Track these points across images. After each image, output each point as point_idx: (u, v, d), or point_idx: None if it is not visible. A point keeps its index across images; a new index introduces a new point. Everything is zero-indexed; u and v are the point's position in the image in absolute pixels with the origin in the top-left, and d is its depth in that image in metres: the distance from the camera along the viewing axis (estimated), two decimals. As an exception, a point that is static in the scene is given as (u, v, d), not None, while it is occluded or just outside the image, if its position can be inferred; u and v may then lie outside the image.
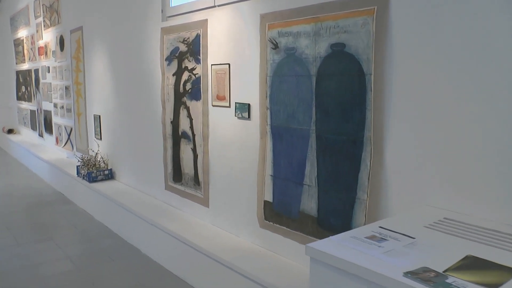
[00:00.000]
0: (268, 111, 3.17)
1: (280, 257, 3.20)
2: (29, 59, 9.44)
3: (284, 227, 3.15)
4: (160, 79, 4.40)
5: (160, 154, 4.52)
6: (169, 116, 4.30)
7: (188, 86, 3.96)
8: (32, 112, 9.67)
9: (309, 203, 2.93)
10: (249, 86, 3.31)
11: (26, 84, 9.98)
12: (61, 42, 7.33)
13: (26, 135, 10.44)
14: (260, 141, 3.25)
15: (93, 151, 6.07)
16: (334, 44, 2.69)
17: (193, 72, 3.87)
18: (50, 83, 8.10)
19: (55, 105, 7.94)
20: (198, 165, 3.93)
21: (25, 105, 10.26)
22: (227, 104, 3.52)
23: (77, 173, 5.96)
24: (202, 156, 3.86)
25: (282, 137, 3.09)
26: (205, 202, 3.92)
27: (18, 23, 10.06)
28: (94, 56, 6.00)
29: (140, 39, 4.74)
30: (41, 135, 9.12)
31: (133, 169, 5.23)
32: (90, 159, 5.86)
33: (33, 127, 9.70)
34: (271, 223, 3.25)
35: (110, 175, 5.72)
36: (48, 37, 8.06)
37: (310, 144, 2.89)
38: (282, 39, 3.02)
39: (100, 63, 5.84)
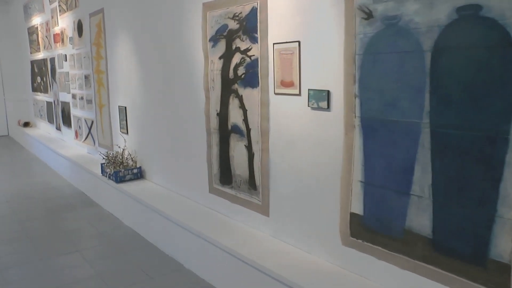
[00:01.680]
0: (357, 100, 2.48)
1: (371, 283, 2.53)
2: (44, 48, 8.82)
3: (379, 247, 2.47)
4: (202, 63, 3.73)
5: (203, 151, 3.86)
6: (215, 107, 3.63)
7: (241, 70, 3.27)
8: (49, 104, 9.07)
9: (420, 219, 2.25)
10: (328, 69, 2.62)
11: (41, 75, 9.38)
12: (79, 28, 6.68)
13: (43, 128, 9.87)
14: (345, 138, 2.57)
15: (119, 147, 5.43)
16: (463, 7, 1.98)
17: (248, 53, 3.18)
18: (68, 73, 7.47)
19: (74, 96, 7.31)
20: (254, 166, 3.26)
21: (41, 96, 9.67)
22: (296, 92, 2.83)
23: (102, 172, 5.33)
24: (260, 155, 3.19)
25: (377, 133, 2.41)
26: (264, 210, 3.25)
27: (31, 10, 9.44)
28: (118, 40, 5.33)
29: (174, 18, 4.06)
30: (58, 128, 8.53)
31: (167, 168, 4.58)
32: (116, 156, 5.22)
33: (50, 120, 9.11)
34: (360, 241, 2.58)
35: (139, 174, 5.08)
36: (64, 23, 7.42)
37: (421, 142, 2.20)
38: (378, 5, 2.32)
39: (125, 49, 5.18)
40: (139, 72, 4.90)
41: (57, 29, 7.85)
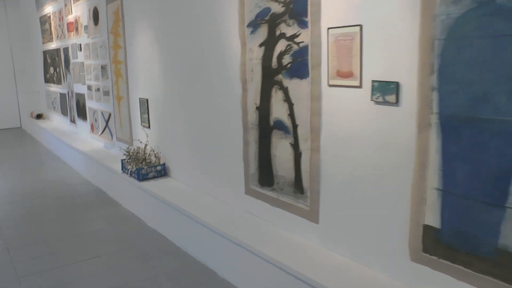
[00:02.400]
0: (435, 93, 2.11)
1: (448, 307, 2.17)
2: (57, 37, 8.49)
3: (461, 267, 2.12)
4: (238, 52, 3.36)
5: (238, 148, 3.51)
6: (254, 100, 3.27)
7: (287, 59, 2.91)
8: (62, 95, 8.76)
9: (519, 236, 1.88)
10: (397, 57, 2.25)
11: (54, 65, 9.06)
12: (95, 15, 6.33)
13: (56, 121, 9.57)
14: (418, 137, 2.21)
15: (140, 142, 5.09)
16: None
17: (295, 40, 2.81)
18: (83, 63, 7.14)
19: (89, 88, 6.98)
20: (301, 167, 2.90)
21: (54, 88, 9.36)
22: (356, 83, 2.47)
23: (122, 169, 5.01)
24: (309, 155, 2.83)
25: (461, 133, 2.04)
26: (312, 216, 2.90)
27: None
28: (138, 28, 4.97)
29: (205, 2, 3.69)
30: (73, 121, 8.22)
31: (194, 165, 4.24)
32: (138, 152, 4.88)
33: (64, 112, 8.80)
34: (435, 257, 2.22)
35: (163, 172, 4.75)
36: (78, 10, 7.07)
37: (523, 144, 1.83)
38: (467, -20, 1.94)
39: (146, 37, 4.82)
40: (163, 61, 4.54)
41: (70, 18, 7.51)
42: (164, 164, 4.77)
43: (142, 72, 5.05)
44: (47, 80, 9.83)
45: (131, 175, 4.78)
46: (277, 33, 2.95)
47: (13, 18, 11.25)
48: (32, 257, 3.80)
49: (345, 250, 2.71)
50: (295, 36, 2.81)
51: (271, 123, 3.12)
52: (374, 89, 2.38)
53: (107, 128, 6.42)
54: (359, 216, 2.58)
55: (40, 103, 10.91)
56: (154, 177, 4.70)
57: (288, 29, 2.86)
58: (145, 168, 4.64)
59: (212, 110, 3.81)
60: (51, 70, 9.34)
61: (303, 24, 2.74)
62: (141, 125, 5.21)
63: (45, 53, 9.66)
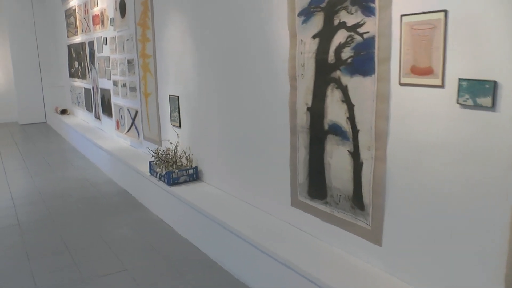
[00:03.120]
0: (551, 95, 1.67)
1: None
2: (82, 31, 8.21)
3: None
4: (286, 44, 2.96)
5: (284, 154, 3.12)
6: (304, 99, 2.86)
7: (347, 53, 2.49)
8: (87, 91, 8.49)
9: None
10: (494, 50, 1.82)
11: (79, 59, 8.81)
12: (122, 7, 6.00)
13: (81, 117, 9.35)
14: (524, 150, 1.77)
15: (170, 142, 4.73)
16: None
17: (358, 30, 2.40)
18: (108, 57, 6.83)
19: (115, 83, 6.68)
20: (362, 179, 2.49)
21: (78, 83, 9.12)
22: (437, 82, 2.04)
23: (151, 171, 4.67)
24: (372, 165, 2.41)
25: None
26: (374, 236, 2.49)
27: (68, -10, 8.83)
28: (169, 19, 4.62)
29: (246, -12, 3.30)
30: (97, 117, 7.94)
31: (231, 169, 3.87)
32: (167, 154, 4.53)
33: (88, 108, 8.54)
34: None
35: (195, 176, 4.39)
36: (104, 2, 6.76)
37: None
38: None
39: (177, 29, 4.46)
40: (197, 55, 4.17)
41: (96, 10, 7.21)
42: (196, 167, 4.41)
43: (172, 67, 4.69)
44: (71, 75, 9.59)
45: (160, 178, 4.43)
46: (336, 22, 2.53)
47: (39, 12, 11.06)
48: (53, 269, 3.49)
49: (417, 280, 2.29)
50: (358, 25, 2.39)
51: (326, 126, 2.72)
52: (461, 90, 1.95)
53: (133, 126, 6.10)
54: (438, 240, 2.16)
55: (64, 98, 10.71)
56: (185, 182, 4.34)
57: (349, 17, 2.44)
58: (176, 171, 4.28)
59: (254, 109, 3.43)
60: (76, 64, 9.09)
61: (368, 11, 2.32)
62: (171, 124, 4.86)
63: (70, 47, 9.42)
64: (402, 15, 2.17)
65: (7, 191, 5.63)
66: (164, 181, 4.35)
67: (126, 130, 6.35)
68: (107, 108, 7.28)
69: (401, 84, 2.22)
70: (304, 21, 2.78)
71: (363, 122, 2.45)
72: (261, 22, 3.20)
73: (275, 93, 3.14)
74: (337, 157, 2.66)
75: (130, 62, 5.94)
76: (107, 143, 6.65)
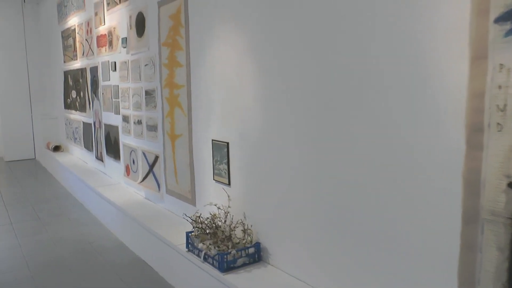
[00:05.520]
0: None
1: None
2: (83, 54, 6.92)
3: None
4: (461, 71, 1.73)
5: (440, 251, 1.80)
6: (502, 167, 1.56)
7: None
8: (86, 125, 7.14)
9: None
10: None
11: (77, 88, 7.49)
12: (139, 24, 4.74)
13: (77, 155, 7.95)
14: None
15: (216, 206, 3.36)
16: None
17: None
18: (117, 86, 5.53)
19: (125, 119, 5.35)
20: None
21: (75, 115, 7.76)
22: None
23: (188, 246, 3.30)
24: None
25: None
26: None
27: (67, 8, 7.59)
28: (215, 37, 3.36)
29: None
30: (99, 158, 6.57)
31: (317, 252, 2.56)
32: (213, 222, 3.17)
33: (88, 146, 7.16)
34: None
35: (257, 256, 3.03)
36: (114, 19, 5.50)
37: None
38: None
39: (230, 49, 3.20)
40: (262, 86, 2.89)
41: (102, 29, 5.94)
42: (258, 243, 3.05)
43: (218, 102, 3.39)
44: (67, 106, 8.24)
45: (205, 259, 3.06)
46: None
47: (31, 32, 9.77)
48: None
49: None
50: None
51: None
52: None
53: (151, 175, 4.74)
54: None
55: (58, 133, 9.29)
56: (244, 265, 2.98)
57: None
58: (232, 252, 2.91)
59: (376, 171, 2.12)
60: (73, 94, 7.76)
61: None
62: (214, 179, 3.52)
63: (66, 73, 8.11)
64: None
65: (-17, 263, 4.21)
66: (213, 265, 2.97)
67: (141, 179, 4.98)
68: (113, 148, 5.93)
69: None
70: (509, 33, 1.50)
71: None
72: (401, 34, 1.92)
73: (427, 150, 1.86)
74: None
75: (149, 93, 4.64)
76: (113, 193, 5.27)
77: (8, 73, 9.55)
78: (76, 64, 7.38)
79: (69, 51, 7.79)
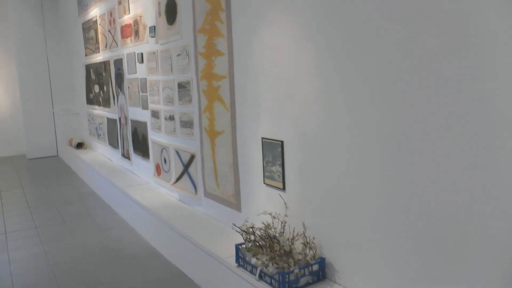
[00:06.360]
0: None
1: None
2: (106, 47, 6.54)
3: None
4: None
5: None
6: None
7: None
8: (111, 121, 6.76)
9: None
10: None
11: (100, 83, 7.11)
12: (170, 10, 4.32)
13: (101, 152, 7.60)
14: None
15: (273, 216, 2.92)
16: None
17: None
18: (145, 79, 5.12)
19: (155, 114, 4.94)
20: None
21: (99, 111, 7.40)
22: None
23: (239, 261, 2.87)
24: None
25: None
26: None
27: (88, 0, 7.19)
28: (264, 21, 2.91)
29: None
30: (126, 155, 6.19)
31: (399, 265, 2.11)
32: (267, 233, 2.74)
33: (113, 143, 6.79)
34: None
35: (321, 274, 2.59)
36: (139, 7, 5.09)
37: None
38: None
39: (284, 34, 2.74)
40: (327, 77, 2.42)
41: (127, 19, 5.54)
42: (323, 259, 2.61)
43: (268, 94, 2.95)
44: (90, 101, 7.89)
45: (261, 277, 2.63)
46: None
47: (51, 26, 9.43)
48: None
49: None
50: None
51: None
52: None
53: (186, 175, 4.33)
54: None
55: (80, 129, 8.97)
56: (307, 284, 2.54)
57: None
58: (295, 271, 2.48)
59: (467, 177, 1.65)
60: (96, 88, 7.39)
61: None
62: (265, 183, 3.08)
63: (88, 67, 7.74)
64: None
65: (7, 271, 3.86)
66: (271, 284, 2.55)
67: (174, 180, 4.58)
68: (141, 146, 5.54)
69: None
70: None
71: None
72: None
73: None
74: None
75: (182, 85, 4.22)
76: (143, 194, 4.89)
77: (28, 69, 9.23)
78: (99, 57, 7.00)
79: (90, 44, 7.42)
